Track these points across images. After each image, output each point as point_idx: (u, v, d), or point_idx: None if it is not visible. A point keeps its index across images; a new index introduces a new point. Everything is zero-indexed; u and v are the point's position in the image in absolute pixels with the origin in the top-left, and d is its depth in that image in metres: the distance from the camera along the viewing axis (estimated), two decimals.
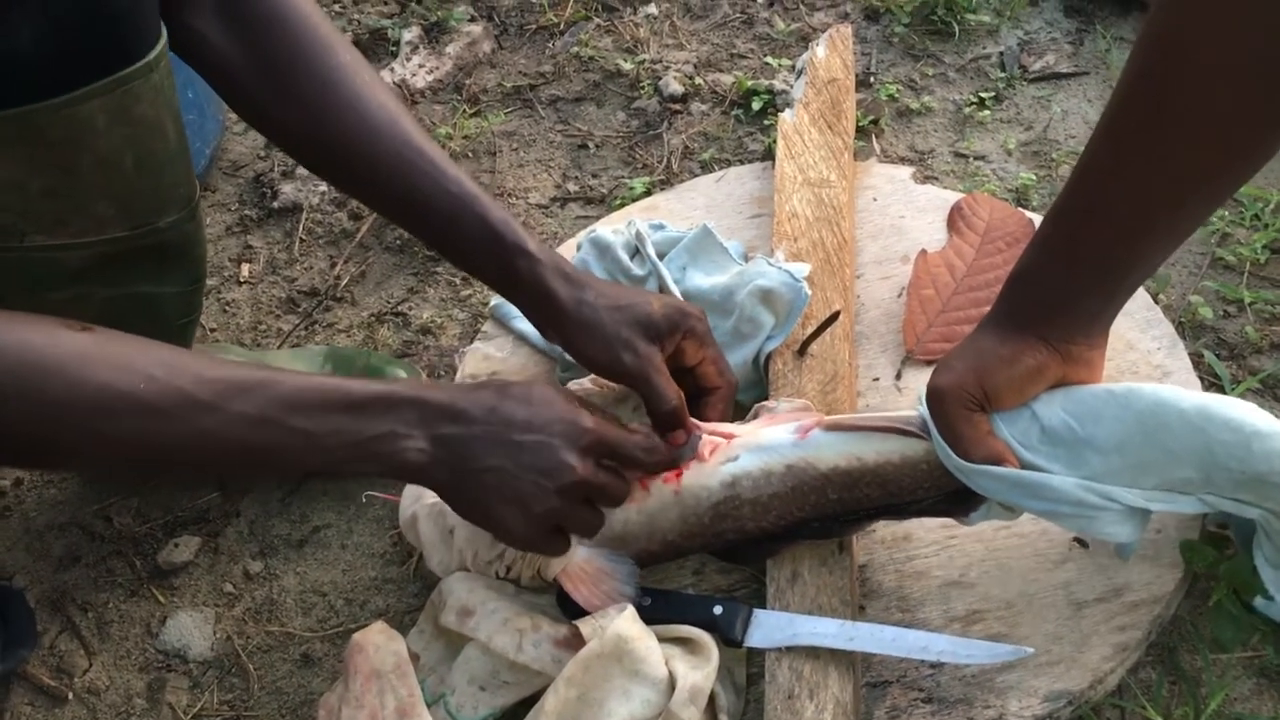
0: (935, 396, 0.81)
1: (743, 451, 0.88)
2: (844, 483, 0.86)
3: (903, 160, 1.31)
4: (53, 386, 0.67)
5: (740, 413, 0.98)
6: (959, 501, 0.84)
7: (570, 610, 0.87)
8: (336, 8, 1.66)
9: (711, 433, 0.90)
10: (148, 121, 0.85)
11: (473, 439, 0.78)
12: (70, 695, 0.98)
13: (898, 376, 1.05)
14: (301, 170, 1.40)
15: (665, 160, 1.36)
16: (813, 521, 0.87)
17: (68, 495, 1.12)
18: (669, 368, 0.92)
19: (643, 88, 1.45)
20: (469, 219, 0.90)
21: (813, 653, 0.84)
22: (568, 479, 0.79)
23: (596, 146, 1.40)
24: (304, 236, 1.34)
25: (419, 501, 0.95)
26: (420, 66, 1.53)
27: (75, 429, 0.69)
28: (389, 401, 0.78)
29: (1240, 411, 0.76)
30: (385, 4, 1.65)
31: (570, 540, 0.85)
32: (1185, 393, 0.78)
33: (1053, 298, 0.78)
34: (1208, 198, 0.73)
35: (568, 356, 1.02)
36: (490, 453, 0.78)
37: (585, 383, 1.02)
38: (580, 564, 0.87)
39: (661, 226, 1.13)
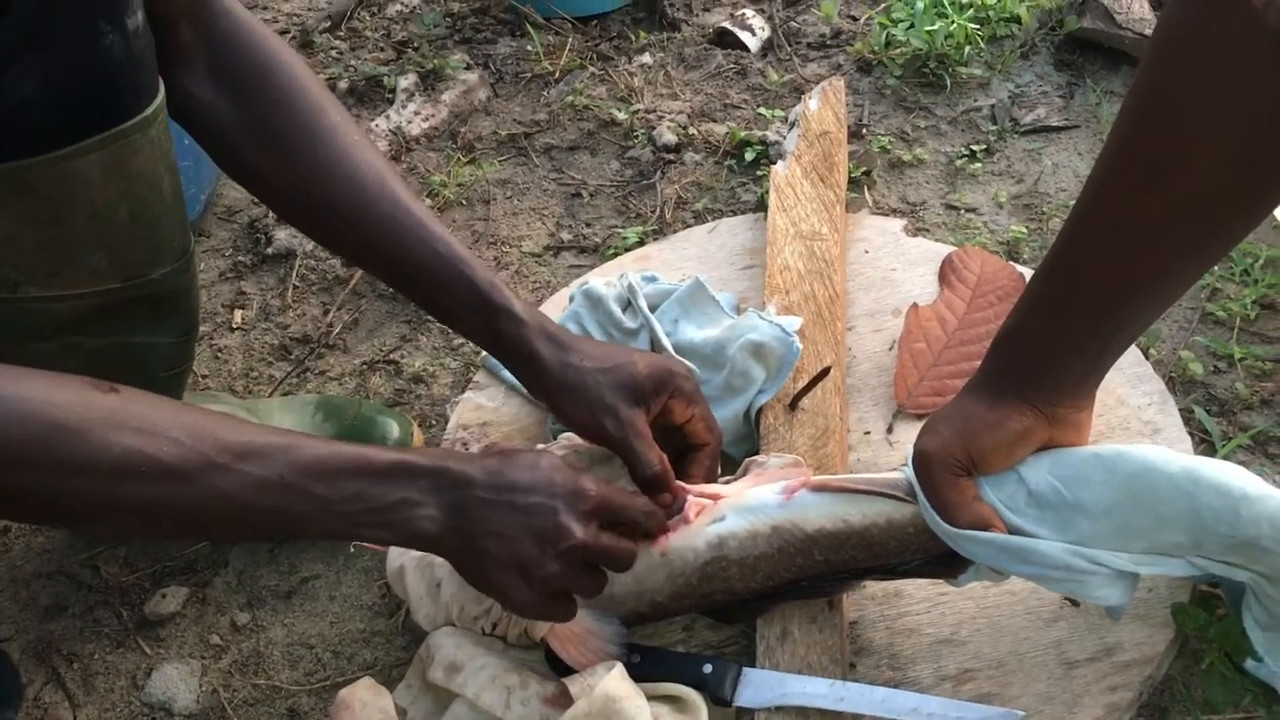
0: (921, 461, 0.81)
1: (729, 512, 0.88)
2: (830, 544, 0.85)
3: (894, 211, 1.32)
4: (79, 449, 0.67)
5: (730, 467, 0.98)
6: (947, 564, 0.84)
7: (559, 669, 0.87)
8: (333, 54, 1.67)
9: (698, 494, 0.90)
10: (144, 175, 0.86)
11: (479, 504, 0.79)
12: None
13: (889, 430, 1.05)
14: None
15: (658, 210, 1.37)
16: (801, 582, 0.86)
17: (55, 544, 1.12)
18: (657, 426, 0.92)
19: (636, 137, 1.46)
20: (455, 280, 0.90)
21: (803, 713, 0.83)
22: (567, 542, 0.79)
23: (590, 195, 1.41)
24: (297, 283, 1.35)
25: (407, 554, 0.95)
26: (416, 114, 1.54)
27: (98, 491, 0.69)
28: (406, 469, 0.78)
29: (1228, 475, 0.76)
30: (382, 51, 1.67)
31: (576, 606, 0.84)
32: (1173, 455, 0.78)
33: (1039, 360, 0.78)
34: (1198, 259, 0.73)
35: None
36: (494, 518, 0.78)
37: (575, 436, 1.01)
38: (568, 624, 0.87)
39: (654, 278, 1.14)
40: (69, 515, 0.74)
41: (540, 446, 1.01)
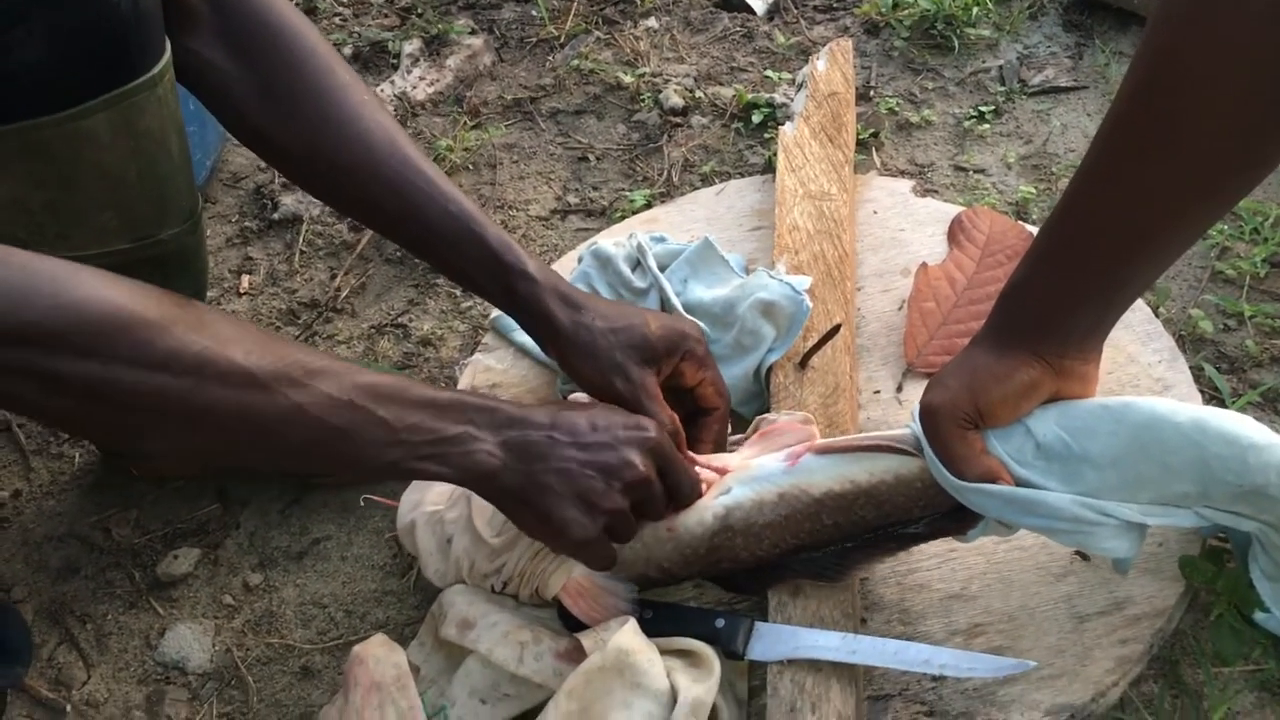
0: (929, 414, 0.81)
1: (735, 484, 0.88)
2: (838, 506, 0.85)
3: (903, 173, 1.31)
4: (161, 341, 0.67)
5: (741, 425, 0.98)
6: (956, 519, 0.84)
7: (571, 625, 0.87)
8: (337, 20, 1.66)
9: (704, 466, 0.90)
10: (151, 135, 0.86)
11: (541, 443, 0.80)
12: (69, 708, 0.98)
13: (899, 389, 1.05)
14: None
15: (665, 173, 1.36)
16: (810, 548, 0.86)
17: (66, 507, 1.12)
18: (667, 388, 0.92)
19: (643, 100, 1.45)
20: (468, 240, 0.90)
21: (815, 666, 0.83)
22: (632, 476, 0.81)
23: (597, 159, 1.40)
24: (304, 248, 1.35)
25: (418, 509, 0.95)
26: (421, 79, 1.53)
27: (175, 387, 0.68)
28: (464, 405, 0.79)
29: (1236, 424, 0.76)
30: (386, 17, 1.66)
31: (615, 551, 0.85)
32: (1180, 406, 0.78)
33: (1047, 312, 0.78)
34: (1204, 213, 0.73)
35: None
36: (557, 453, 0.80)
37: (585, 397, 1.01)
38: (579, 580, 0.87)
39: (662, 239, 1.13)
40: (136, 413, 0.69)
41: None
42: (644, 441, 0.82)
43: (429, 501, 0.95)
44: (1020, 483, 0.80)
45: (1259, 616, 0.84)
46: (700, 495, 0.88)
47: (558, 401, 0.85)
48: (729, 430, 0.97)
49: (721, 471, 0.90)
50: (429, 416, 0.77)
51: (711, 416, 0.96)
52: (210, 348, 0.69)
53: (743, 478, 0.88)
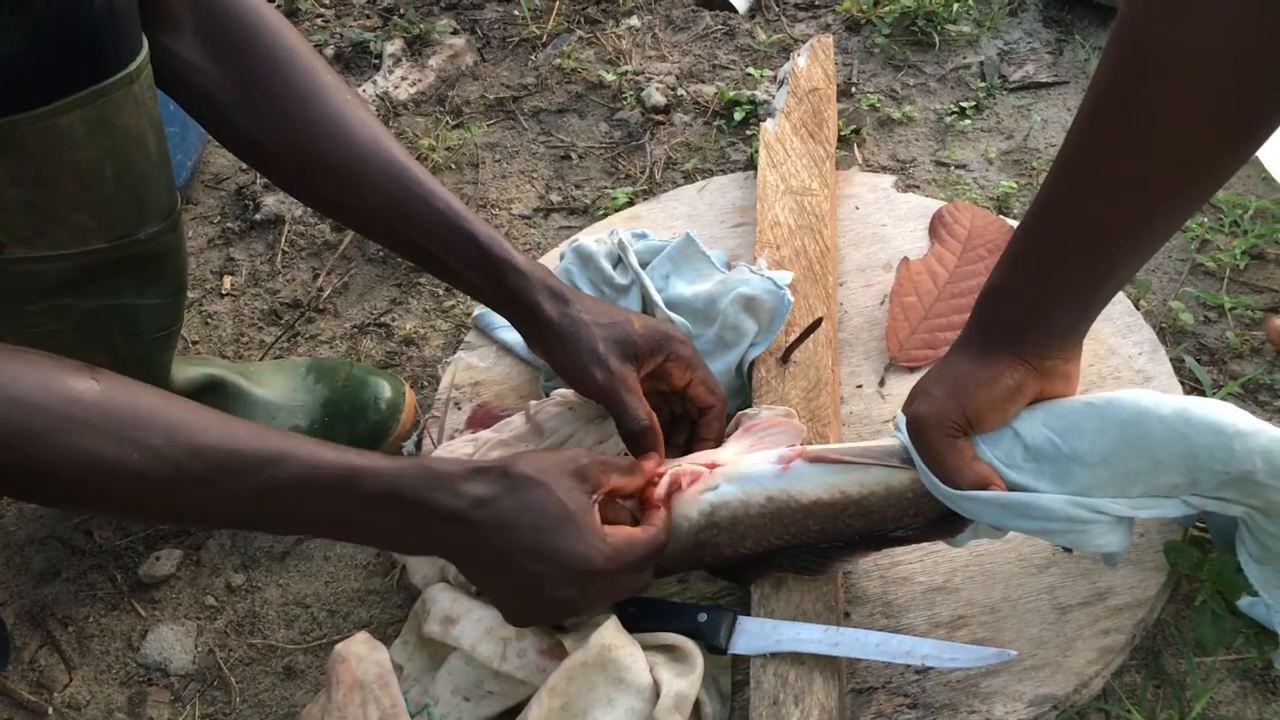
0: (916, 425, 0.80)
1: (723, 481, 0.87)
2: (827, 515, 0.85)
3: (884, 169, 1.32)
4: (41, 451, 0.66)
5: (725, 423, 0.98)
6: (944, 526, 0.83)
7: (555, 625, 0.87)
8: (319, 21, 1.66)
9: (691, 462, 0.90)
10: (128, 133, 0.85)
11: (478, 550, 0.79)
12: (50, 710, 0.97)
13: (881, 383, 1.05)
14: None
15: (648, 170, 1.36)
16: (794, 547, 0.86)
17: (48, 510, 1.12)
18: (655, 390, 0.92)
19: (625, 99, 1.45)
20: (456, 235, 0.90)
21: (798, 659, 0.83)
22: (565, 615, 0.83)
23: (579, 157, 1.40)
24: (286, 248, 1.34)
25: None
26: (403, 79, 1.53)
27: (62, 491, 0.69)
28: (395, 499, 0.76)
29: (1220, 413, 0.76)
30: (368, 17, 1.65)
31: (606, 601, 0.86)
32: (1163, 398, 0.78)
33: (1026, 313, 0.77)
34: (1178, 208, 0.73)
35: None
36: (495, 569, 0.80)
37: (568, 393, 1.01)
38: None
39: (644, 235, 1.13)
40: (51, 502, 0.73)
41: (533, 404, 1.02)
42: (585, 562, 0.79)
43: None
44: (1012, 487, 0.79)
45: (1243, 602, 0.84)
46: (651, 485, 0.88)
47: (507, 479, 0.79)
48: (724, 430, 0.97)
49: (709, 466, 0.90)
50: (358, 511, 0.75)
51: (709, 415, 0.96)
52: (95, 454, 0.67)
53: (731, 475, 0.88)
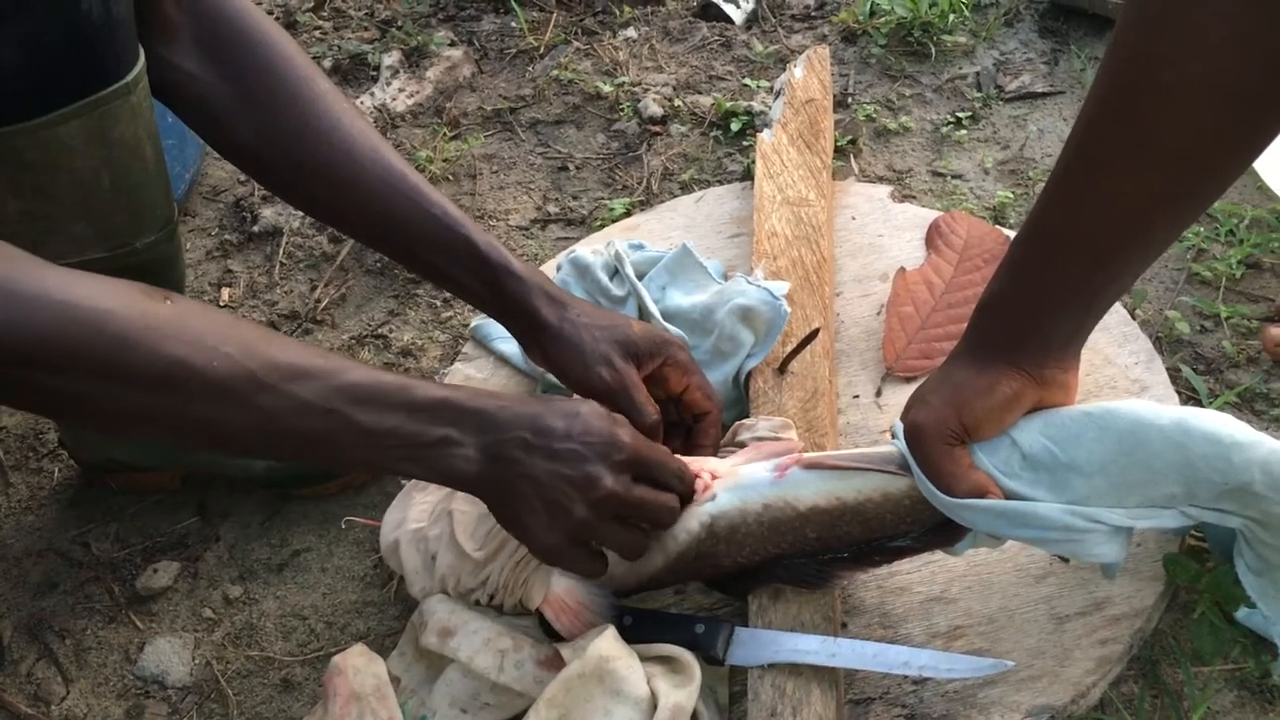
0: (914, 433, 0.80)
1: (721, 491, 0.87)
2: (824, 522, 0.85)
3: (881, 180, 1.32)
4: (126, 357, 0.67)
5: (721, 431, 0.98)
6: (942, 535, 0.83)
7: (553, 636, 0.87)
8: (317, 33, 1.66)
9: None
10: (126, 143, 0.85)
11: (516, 447, 0.79)
12: None
13: (878, 393, 1.05)
14: None
15: (645, 181, 1.36)
16: (793, 557, 0.86)
17: (45, 521, 1.12)
18: (655, 397, 0.92)
19: (622, 110, 1.46)
20: (454, 242, 0.91)
21: (795, 670, 0.83)
22: (596, 493, 0.79)
23: (576, 168, 1.41)
24: (284, 260, 1.34)
25: (401, 527, 0.95)
26: (401, 91, 1.53)
27: (141, 401, 0.69)
28: (446, 408, 0.79)
29: (1218, 424, 0.76)
30: (366, 29, 1.66)
31: (606, 562, 0.85)
32: (1161, 408, 0.78)
33: (1024, 323, 0.77)
34: (1175, 219, 0.73)
35: (549, 377, 1.02)
36: (528, 462, 0.79)
37: None
38: (561, 595, 0.87)
39: (641, 246, 1.13)
40: (109, 421, 0.73)
41: None
42: (613, 453, 0.81)
43: (411, 520, 0.95)
44: (1009, 495, 0.79)
45: (1241, 614, 0.84)
46: (693, 486, 0.87)
47: (542, 398, 0.84)
48: (720, 438, 0.97)
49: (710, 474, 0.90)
50: (408, 421, 0.77)
51: (705, 421, 0.96)
52: (179, 359, 0.69)
53: (729, 484, 0.88)
